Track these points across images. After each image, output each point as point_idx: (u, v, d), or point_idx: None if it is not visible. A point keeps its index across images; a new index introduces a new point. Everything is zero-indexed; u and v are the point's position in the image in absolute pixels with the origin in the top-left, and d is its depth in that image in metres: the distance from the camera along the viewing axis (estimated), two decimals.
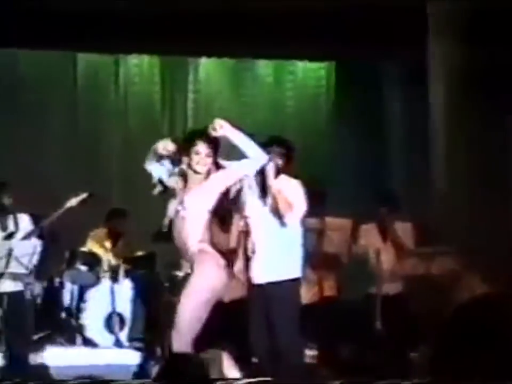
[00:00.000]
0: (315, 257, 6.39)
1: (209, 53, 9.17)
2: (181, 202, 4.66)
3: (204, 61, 9.37)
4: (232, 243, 5.90)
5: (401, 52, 8.60)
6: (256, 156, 4.74)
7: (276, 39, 8.51)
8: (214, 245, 4.68)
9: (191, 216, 4.62)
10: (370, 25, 8.20)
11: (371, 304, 6.32)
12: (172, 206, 4.74)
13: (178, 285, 7.47)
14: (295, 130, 9.19)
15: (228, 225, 5.92)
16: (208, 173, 4.71)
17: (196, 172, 4.74)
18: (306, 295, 6.29)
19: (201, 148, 4.72)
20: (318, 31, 8.35)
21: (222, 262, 4.63)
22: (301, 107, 9.46)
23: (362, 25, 8.23)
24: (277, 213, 5.25)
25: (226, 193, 4.71)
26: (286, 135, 8.17)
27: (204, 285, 4.48)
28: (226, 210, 5.59)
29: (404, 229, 6.67)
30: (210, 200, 4.66)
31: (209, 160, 4.70)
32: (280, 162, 5.35)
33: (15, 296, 6.28)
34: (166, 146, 4.89)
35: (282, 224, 5.24)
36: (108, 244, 7.67)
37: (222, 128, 4.74)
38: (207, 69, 9.42)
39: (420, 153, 8.46)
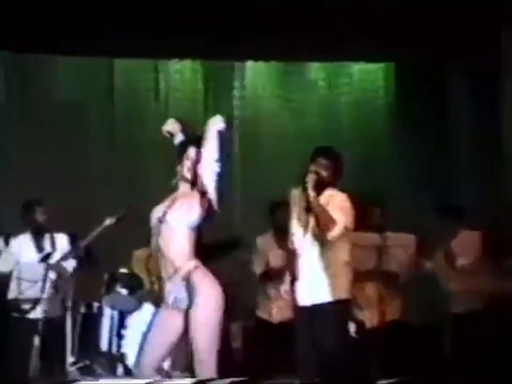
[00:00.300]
0: (376, 276, 6.44)
1: (256, 56, 9.24)
2: (164, 215, 4.73)
3: (250, 64, 9.44)
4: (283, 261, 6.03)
5: (469, 51, 8.57)
6: (208, 168, 4.73)
7: (328, 39, 8.58)
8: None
9: (174, 232, 4.68)
10: (432, 22, 8.21)
11: (440, 327, 6.33)
12: (155, 215, 4.81)
13: (228, 309, 7.63)
14: (350, 138, 9.22)
15: (285, 241, 6.02)
16: (194, 183, 4.76)
17: (185, 180, 4.80)
18: (367, 317, 6.36)
19: (192, 152, 4.77)
20: (376, 29, 8.40)
21: (214, 276, 4.72)
22: (357, 113, 9.45)
23: (424, 22, 8.25)
24: (319, 229, 5.32)
25: (208, 206, 4.73)
26: (340, 144, 8.31)
27: (213, 305, 4.61)
28: (284, 225, 5.68)
29: (472, 242, 6.68)
30: (192, 216, 4.69)
31: (198, 166, 4.75)
32: (325, 174, 5.43)
33: (51, 323, 6.43)
34: (165, 126, 4.97)
35: (325, 241, 5.31)
36: (152, 265, 7.77)
37: (214, 126, 4.76)
38: (253, 74, 9.50)
39: (490, 160, 8.44)
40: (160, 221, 4.71)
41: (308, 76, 9.58)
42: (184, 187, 4.81)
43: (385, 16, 8.24)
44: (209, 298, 4.60)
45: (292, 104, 9.49)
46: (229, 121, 4.85)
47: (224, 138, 4.76)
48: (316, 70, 9.59)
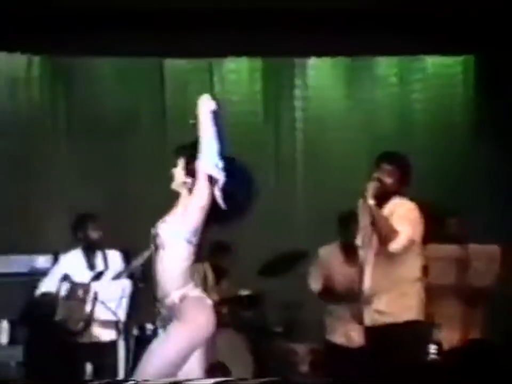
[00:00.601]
0: (456, 292, 6.52)
1: (319, 51, 9.32)
2: (158, 228, 4.77)
3: (312, 61, 9.54)
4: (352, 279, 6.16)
5: None
6: (207, 151, 4.71)
7: (399, 31, 8.66)
8: (197, 284, 4.76)
9: (167, 249, 4.69)
10: None
11: None
12: (154, 229, 4.84)
13: (294, 330, 7.78)
14: (425, 140, 9.26)
15: (354, 256, 6.09)
16: (192, 182, 4.76)
17: (182, 183, 4.84)
18: (446, 337, 6.46)
19: (180, 160, 4.85)
20: (452, 18, 8.46)
21: (209, 304, 4.75)
22: (432, 112, 9.44)
23: (506, 9, 8.27)
24: (380, 241, 5.45)
25: (207, 214, 4.70)
26: (414, 147, 8.42)
27: (188, 334, 4.66)
28: (353, 237, 5.75)
29: None
30: (188, 222, 4.67)
31: (185, 174, 4.79)
32: (389, 181, 5.55)
33: (102, 348, 6.63)
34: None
35: (389, 255, 5.42)
36: (210, 281, 8.01)
37: (204, 107, 4.77)
38: (316, 71, 9.58)
39: None
40: (154, 236, 4.77)
41: (377, 71, 9.58)
42: (183, 191, 4.84)
43: (461, 3, 8.30)
44: (187, 328, 4.66)
45: (359, 103, 9.51)
46: (217, 100, 4.83)
47: (221, 119, 4.75)
48: (386, 65, 9.60)
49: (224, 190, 4.72)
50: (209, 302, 4.74)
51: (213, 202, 4.72)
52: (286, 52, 9.11)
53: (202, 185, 4.70)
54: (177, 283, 4.69)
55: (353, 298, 6.42)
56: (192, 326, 4.65)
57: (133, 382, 4.54)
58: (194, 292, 4.72)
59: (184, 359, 4.67)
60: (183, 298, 4.67)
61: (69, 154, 8.99)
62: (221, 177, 4.69)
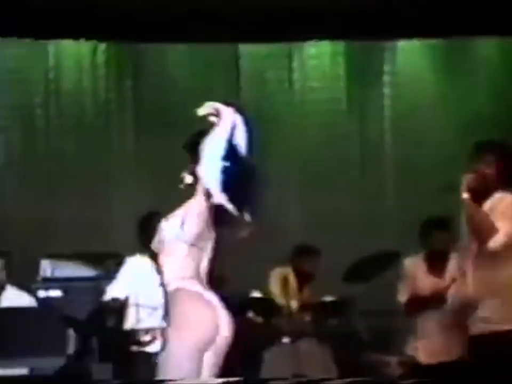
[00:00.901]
0: None
1: (410, 33, 9.26)
2: (161, 227, 4.83)
3: (403, 44, 9.49)
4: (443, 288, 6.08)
5: None
6: (210, 162, 4.69)
7: (497, 8, 8.56)
8: (200, 281, 4.73)
9: (169, 248, 4.76)
10: None
11: None
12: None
13: (383, 338, 7.74)
14: None
15: (439, 266, 5.97)
16: (194, 184, 4.81)
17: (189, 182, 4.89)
18: None
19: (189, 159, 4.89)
20: None
21: (209, 300, 4.69)
22: None
23: None
24: (479, 240, 5.36)
25: (209, 217, 4.73)
26: None
27: (185, 340, 4.63)
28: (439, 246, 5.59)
29: None
30: (187, 229, 4.72)
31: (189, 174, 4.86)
32: (490, 173, 5.46)
33: None
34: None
35: (490, 255, 5.33)
36: (292, 287, 7.99)
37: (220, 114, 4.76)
38: (408, 55, 9.54)
39: None
40: (157, 232, 4.85)
41: (477, 54, 9.55)
42: (193, 190, 4.88)
43: None
44: (186, 329, 4.63)
45: (456, 90, 9.48)
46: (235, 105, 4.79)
47: (241, 126, 4.70)
48: (486, 47, 9.54)
49: (233, 195, 4.71)
50: (211, 298, 4.69)
51: (218, 207, 4.74)
52: (372, 35, 9.09)
53: (201, 193, 4.77)
54: (177, 274, 4.72)
55: (439, 310, 6.47)
56: (187, 329, 4.63)
57: (174, 382, 4.53)
58: (191, 286, 4.70)
59: (198, 359, 4.64)
60: (177, 290, 4.69)
61: (136, 149, 9.10)
62: (218, 195, 4.67)
